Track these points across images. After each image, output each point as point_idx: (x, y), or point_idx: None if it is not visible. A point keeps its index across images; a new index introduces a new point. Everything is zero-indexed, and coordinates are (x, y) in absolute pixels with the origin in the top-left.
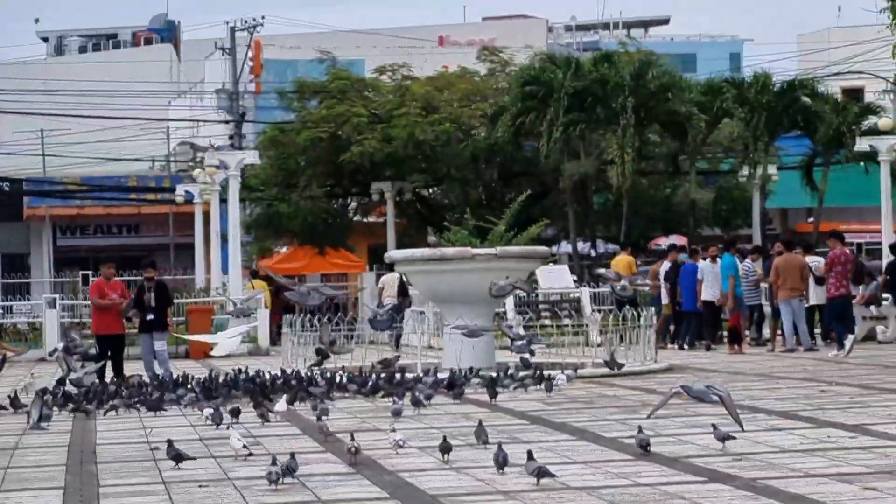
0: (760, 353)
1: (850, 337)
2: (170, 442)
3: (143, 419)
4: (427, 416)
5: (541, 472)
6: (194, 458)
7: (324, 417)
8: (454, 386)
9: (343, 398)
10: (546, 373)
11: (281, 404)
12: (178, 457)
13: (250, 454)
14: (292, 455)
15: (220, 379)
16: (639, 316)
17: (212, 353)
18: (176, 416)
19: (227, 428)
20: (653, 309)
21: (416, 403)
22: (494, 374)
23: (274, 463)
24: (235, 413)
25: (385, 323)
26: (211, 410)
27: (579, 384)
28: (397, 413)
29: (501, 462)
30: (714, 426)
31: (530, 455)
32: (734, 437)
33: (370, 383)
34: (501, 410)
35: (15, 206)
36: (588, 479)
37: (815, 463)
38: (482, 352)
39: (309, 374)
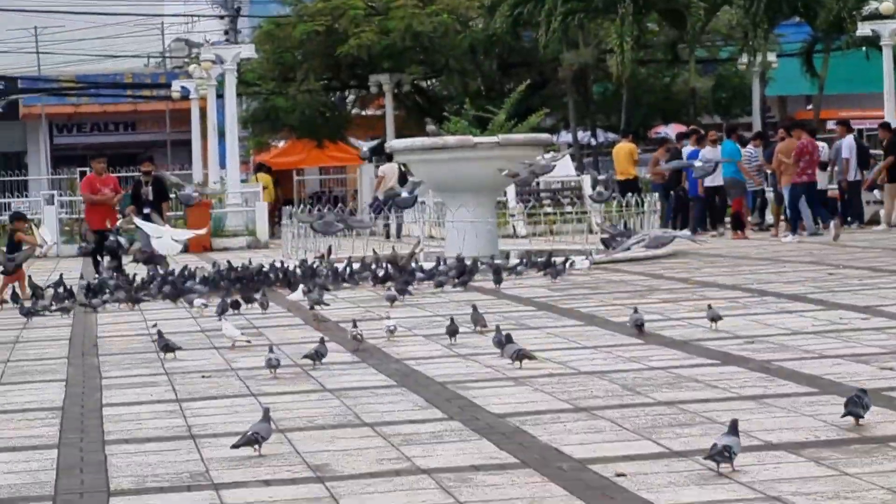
0: (764, 237)
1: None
2: (160, 332)
3: (144, 312)
4: (431, 304)
5: (520, 355)
6: (181, 349)
7: (317, 307)
8: (464, 273)
9: (345, 288)
10: (553, 259)
11: (297, 293)
12: (166, 347)
13: (248, 342)
14: (322, 340)
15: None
16: (642, 202)
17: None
18: (178, 309)
19: (224, 320)
20: (656, 195)
21: (402, 292)
22: (502, 262)
23: (271, 351)
24: (236, 305)
25: (410, 200)
26: (201, 301)
27: (584, 270)
28: (392, 299)
29: (505, 342)
30: (710, 306)
31: (509, 338)
32: (721, 318)
33: (379, 274)
34: (507, 297)
35: (11, 105)
36: (599, 363)
37: (829, 344)
38: (485, 241)
39: (313, 265)
